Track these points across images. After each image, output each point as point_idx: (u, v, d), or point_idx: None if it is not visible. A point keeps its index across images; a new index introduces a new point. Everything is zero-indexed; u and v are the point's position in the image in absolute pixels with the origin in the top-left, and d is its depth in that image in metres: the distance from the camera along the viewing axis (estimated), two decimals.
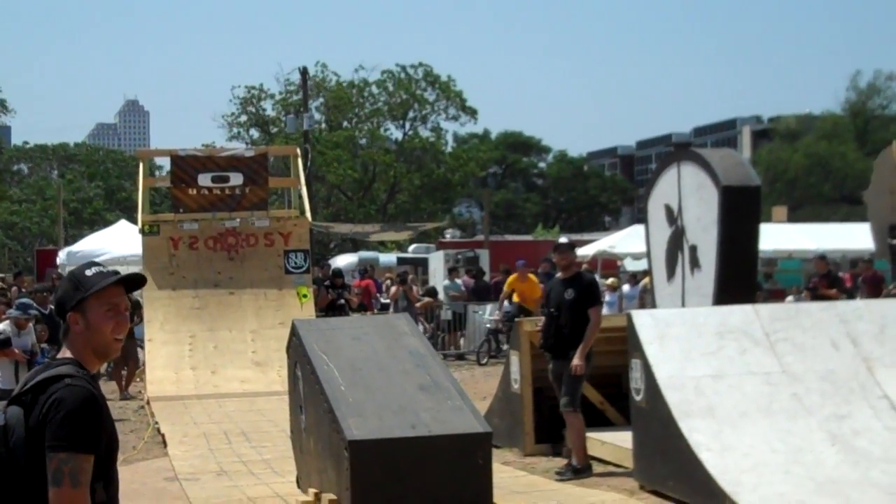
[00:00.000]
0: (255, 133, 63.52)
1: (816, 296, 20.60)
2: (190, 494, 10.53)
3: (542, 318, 11.69)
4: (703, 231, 12.80)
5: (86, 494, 3.52)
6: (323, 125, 62.25)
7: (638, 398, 10.06)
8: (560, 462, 11.46)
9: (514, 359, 12.63)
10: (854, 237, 30.29)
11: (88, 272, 3.78)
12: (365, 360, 9.31)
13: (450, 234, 53.92)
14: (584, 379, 11.15)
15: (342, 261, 40.71)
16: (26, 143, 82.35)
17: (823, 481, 8.62)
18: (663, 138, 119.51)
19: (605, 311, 23.15)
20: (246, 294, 19.40)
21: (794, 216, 52.02)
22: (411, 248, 47.17)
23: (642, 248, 16.53)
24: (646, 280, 19.20)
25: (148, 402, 16.63)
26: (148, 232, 19.90)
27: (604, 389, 12.29)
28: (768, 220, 38.31)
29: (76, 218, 67.32)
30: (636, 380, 10.05)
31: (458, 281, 28.05)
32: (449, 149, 67.92)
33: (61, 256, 31.26)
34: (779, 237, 31.34)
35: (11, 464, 3.58)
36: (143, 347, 18.66)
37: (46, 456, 3.52)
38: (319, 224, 44.92)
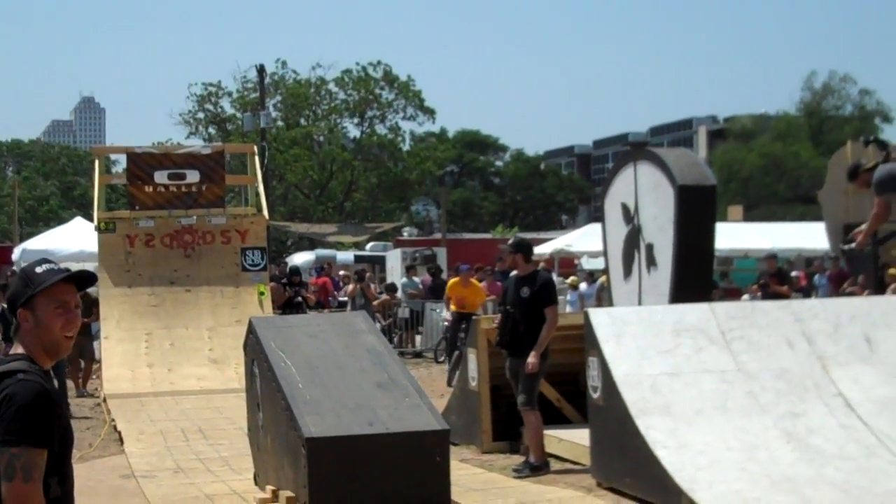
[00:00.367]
0: (212, 130, 63.18)
1: (767, 293, 20.81)
2: (147, 492, 10.47)
3: (499, 316, 11.71)
4: (660, 230, 12.87)
5: (38, 489, 3.51)
6: (280, 122, 62.03)
7: (595, 396, 10.09)
8: (517, 459, 11.47)
9: (472, 356, 12.63)
10: (809, 236, 30.56)
11: (39, 269, 3.77)
12: (322, 358, 9.30)
13: (407, 233, 53.94)
14: (541, 377, 11.18)
15: (299, 258, 40.66)
16: None
17: (779, 478, 8.67)
18: (620, 137, 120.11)
19: (567, 309, 23.39)
20: (202, 291, 19.31)
21: (750, 216, 52.45)
22: (368, 246, 47.19)
23: (599, 247, 16.59)
24: (603, 278, 19.25)
25: (104, 400, 16.52)
26: (104, 229, 19.75)
27: (561, 387, 12.34)
28: (724, 219, 38.62)
29: (32, 215, 66.80)
30: (593, 377, 10.08)
31: (416, 279, 28.06)
32: (406, 147, 67.90)
33: (16, 254, 30.97)
34: (734, 236, 31.57)
35: None
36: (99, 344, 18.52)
37: None
38: (277, 223, 44.82)
